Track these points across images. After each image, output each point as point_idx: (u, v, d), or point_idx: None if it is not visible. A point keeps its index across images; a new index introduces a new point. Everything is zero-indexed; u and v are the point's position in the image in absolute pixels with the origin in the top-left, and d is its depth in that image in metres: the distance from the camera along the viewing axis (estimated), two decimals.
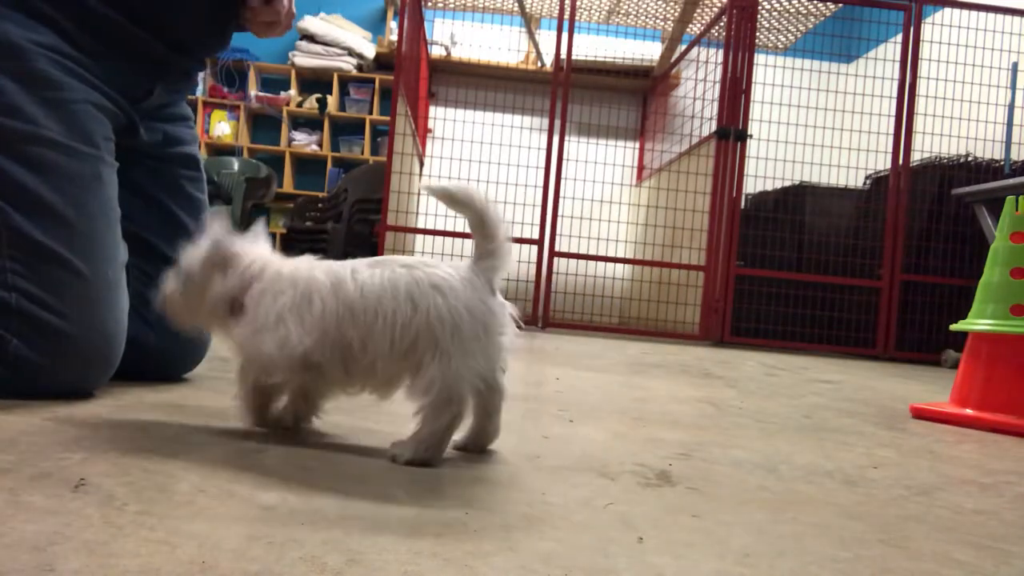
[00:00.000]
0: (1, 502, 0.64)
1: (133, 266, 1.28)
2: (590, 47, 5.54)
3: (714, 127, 4.38)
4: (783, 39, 5.65)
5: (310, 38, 6.15)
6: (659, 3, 5.43)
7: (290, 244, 5.23)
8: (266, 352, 0.90)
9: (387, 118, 5.79)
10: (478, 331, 0.88)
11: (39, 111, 1.11)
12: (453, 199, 0.91)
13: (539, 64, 5.91)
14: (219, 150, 6.05)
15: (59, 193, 1.10)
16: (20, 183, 1.08)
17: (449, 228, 4.52)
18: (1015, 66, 4.14)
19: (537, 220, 4.40)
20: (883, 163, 4.39)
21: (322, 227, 4.93)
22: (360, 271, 0.91)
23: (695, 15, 5.30)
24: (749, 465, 1.06)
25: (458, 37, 6.05)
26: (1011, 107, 4.13)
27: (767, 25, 5.42)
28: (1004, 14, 4.33)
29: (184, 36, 1.31)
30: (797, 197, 4.51)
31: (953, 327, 1.84)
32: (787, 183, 4.52)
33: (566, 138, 4.40)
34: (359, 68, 6.22)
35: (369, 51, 6.23)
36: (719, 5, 5.03)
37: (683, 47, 5.56)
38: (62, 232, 1.09)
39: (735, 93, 4.31)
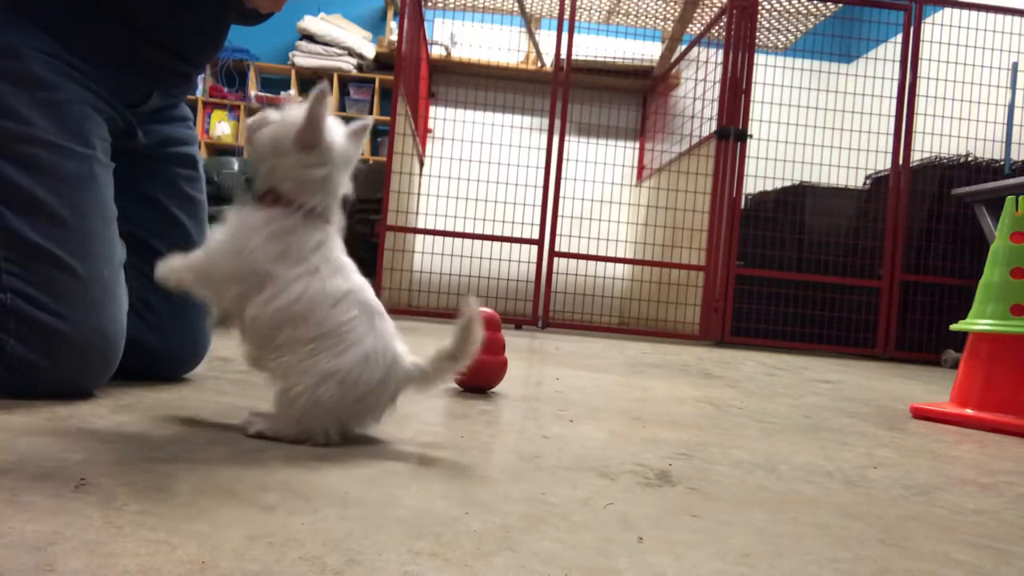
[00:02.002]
0: (1, 502, 0.64)
1: (131, 266, 1.28)
2: (590, 47, 5.54)
3: (714, 127, 4.38)
4: (783, 39, 5.65)
5: (310, 38, 6.15)
6: (659, 3, 5.43)
7: None
8: (215, 270, 0.96)
9: (387, 118, 5.77)
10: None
11: (32, 111, 1.11)
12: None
13: (539, 64, 5.91)
14: (219, 150, 6.05)
15: (53, 193, 1.10)
16: (14, 183, 1.08)
17: (449, 228, 4.52)
18: (1015, 66, 4.14)
19: (537, 220, 4.39)
20: (883, 163, 4.39)
21: None
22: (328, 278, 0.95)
23: (695, 15, 5.30)
24: (749, 465, 1.06)
25: (458, 37, 6.04)
26: (1011, 107, 4.13)
27: (767, 25, 5.41)
28: (1004, 14, 4.33)
29: (180, 41, 1.31)
30: (797, 197, 4.50)
31: (953, 327, 1.84)
32: (787, 183, 4.52)
33: (566, 138, 4.39)
34: (359, 68, 6.22)
35: (369, 51, 6.22)
36: (719, 5, 5.02)
37: (683, 47, 5.55)
38: (57, 232, 1.09)
39: (735, 93, 4.31)
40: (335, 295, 0.93)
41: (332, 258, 0.96)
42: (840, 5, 4.79)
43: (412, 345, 1.00)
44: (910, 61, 4.31)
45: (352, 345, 0.92)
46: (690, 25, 5.42)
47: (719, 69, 4.43)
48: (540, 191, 4.38)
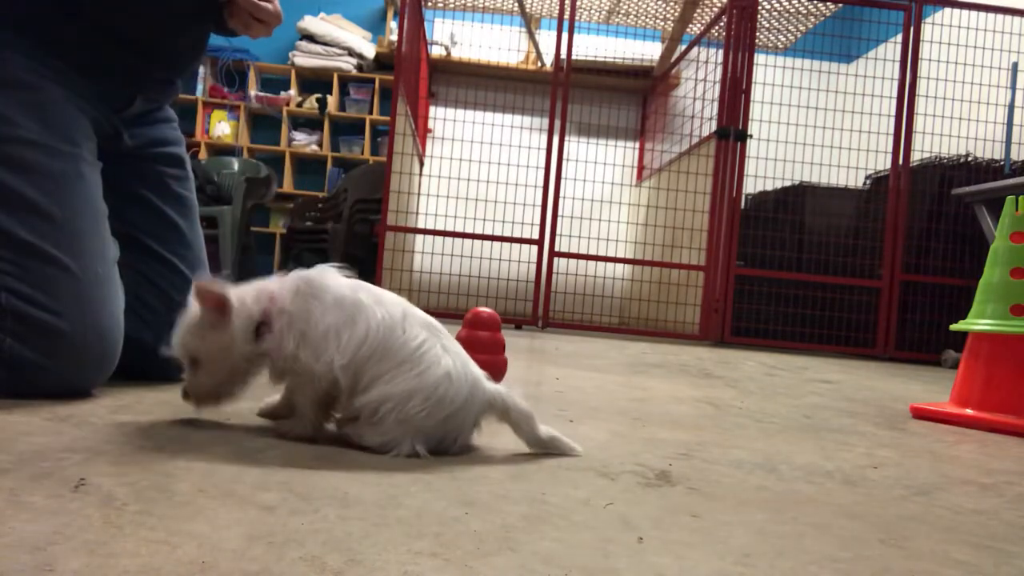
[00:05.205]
0: (1, 502, 0.64)
1: (127, 265, 1.28)
2: (590, 47, 5.54)
3: (714, 127, 4.38)
4: (783, 39, 5.65)
5: (310, 38, 6.15)
6: (659, 3, 5.43)
7: (290, 244, 5.23)
8: (316, 368, 0.93)
9: (387, 118, 5.78)
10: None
11: (16, 112, 1.12)
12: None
13: (539, 64, 5.91)
14: (219, 150, 6.05)
15: (42, 192, 1.11)
16: (2, 183, 1.08)
17: (449, 228, 4.52)
18: (1015, 66, 4.14)
19: (537, 220, 4.39)
20: (883, 163, 4.38)
21: (322, 227, 4.92)
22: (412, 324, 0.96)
23: (695, 15, 5.30)
24: (749, 465, 1.06)
25: (458, 37, 6.04)
26: (1011, 107, 4.13)
27: (767, 25, 5.41)
28: (1004, 14, 4.33)
29: (158, 49, 1.32)
30: (797, 197, 4.50)
31: (953, 327, 1.84)
32: (787, 183, 4.52)
33: (566, 138, 4.39)
34: (359, 68, 6.22)
35: (369, 51, 6.22)
36: (719, 5, 5.02)
37: (683, 47, 5.55)
38: (48, 230, 1.10)
39: (735, 93, 4.31)
40: (396, 320, 0.95)
41: (373, 290, 0.99)
42: (840, 5, 4.79)
43: None
44: (910, 61, 4.31)
45: (431, 365, 0.93)
46: (690, 25, 5.41)
47: (719, 69, 4.43)
48: (540, 191, 4.38)
